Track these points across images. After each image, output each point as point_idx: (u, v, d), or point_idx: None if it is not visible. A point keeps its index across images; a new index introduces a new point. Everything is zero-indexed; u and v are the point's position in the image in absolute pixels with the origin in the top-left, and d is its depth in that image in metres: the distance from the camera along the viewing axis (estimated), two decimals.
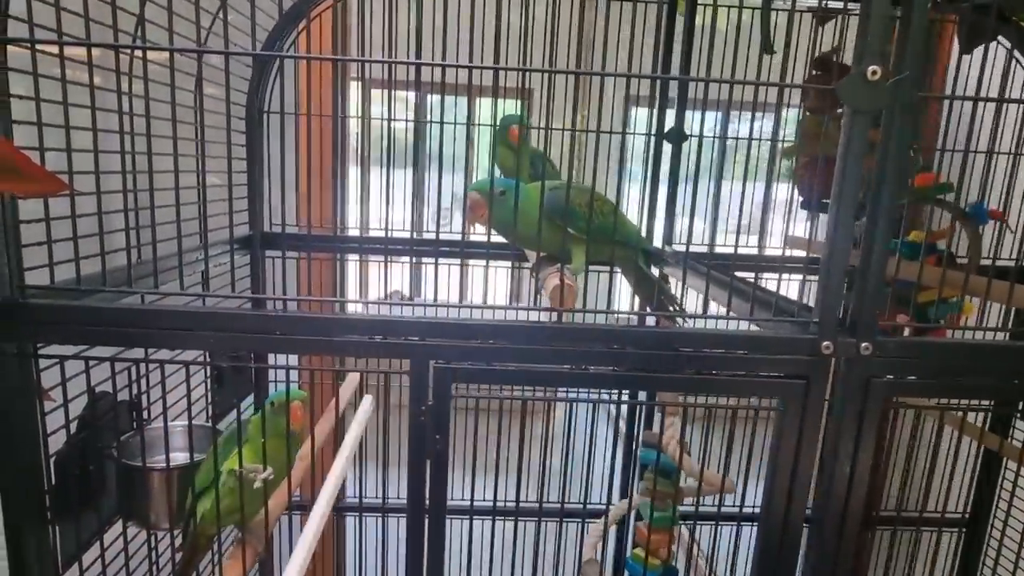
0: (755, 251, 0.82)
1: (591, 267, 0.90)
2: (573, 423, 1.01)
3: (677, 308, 0.93)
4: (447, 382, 0.72)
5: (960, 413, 0.91)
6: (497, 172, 1.16)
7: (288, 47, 1.38)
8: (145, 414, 1.00)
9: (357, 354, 0.72)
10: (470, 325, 0.71)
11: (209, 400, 1.11)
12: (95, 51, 0.71)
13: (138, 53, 0.73)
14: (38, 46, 0.68)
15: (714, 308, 0.96)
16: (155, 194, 0.82)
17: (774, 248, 1.26)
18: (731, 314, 0.79)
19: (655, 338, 0.72)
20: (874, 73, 0.65)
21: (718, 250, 0.83)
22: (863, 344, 0.71)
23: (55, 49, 0.70)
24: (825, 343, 0.71)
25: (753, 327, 0.79)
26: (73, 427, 0.85)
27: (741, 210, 0.80)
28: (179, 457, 0.95)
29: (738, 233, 0.83)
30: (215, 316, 0.72)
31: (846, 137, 0.67)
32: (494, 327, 0.70)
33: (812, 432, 0.75)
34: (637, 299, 0.94)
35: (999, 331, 0.81)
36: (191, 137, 0.99)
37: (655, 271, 1.02)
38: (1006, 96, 0.75)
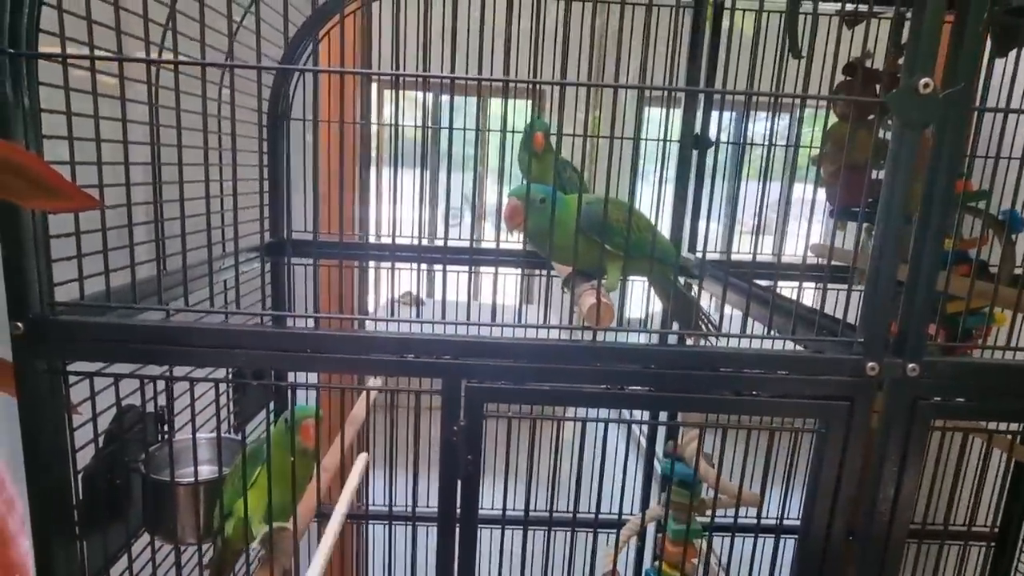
0: (794, 260, 0.80)
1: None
2: (603, 435, 0.99)
3: (714, 327, 0.91)
4: (480, 402, 0.70)
5: (1008, 436, 0.88)
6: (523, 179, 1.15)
7: (308, 55, 1.37)
8: (172, 425, 1.00)
9: (388, 373, 0.71)
10: (505, 344, 0.69)
11: (232, 410, 1.10)
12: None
13: (170, 66, 0.72)
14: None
15: (751, 323, 0.94)
16: (175, 206, 0.81)
17: (809, 257, 1.24)
18: (772, 333, 0.77)
19: (693, 358, 0.70)
20: (926, 86, 0.63)
21: (747, 258, 0.80)
22: (910, 365, 0.69)
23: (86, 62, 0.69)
24: (871, 364, 0.69)
25: (793, 345, 0.77)
26: (100, 441, 0.85)
27: (781, 216, 0.78)
28: (206, 470, 0.94)
29: (781, 242, 0.80)
30: (243, 334, 0.71)
31: (895, 151, 0.65)
32: (530, 346, 0.69)
33: (855, 455, 0.72)
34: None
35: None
36: (217, 147, 0.98)
37: (687, 287, 1.00)
38: None
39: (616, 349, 0.69)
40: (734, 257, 1.48)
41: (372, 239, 1.43)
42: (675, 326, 0.91)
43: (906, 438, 0.72)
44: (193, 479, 0.83)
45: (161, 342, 0.71)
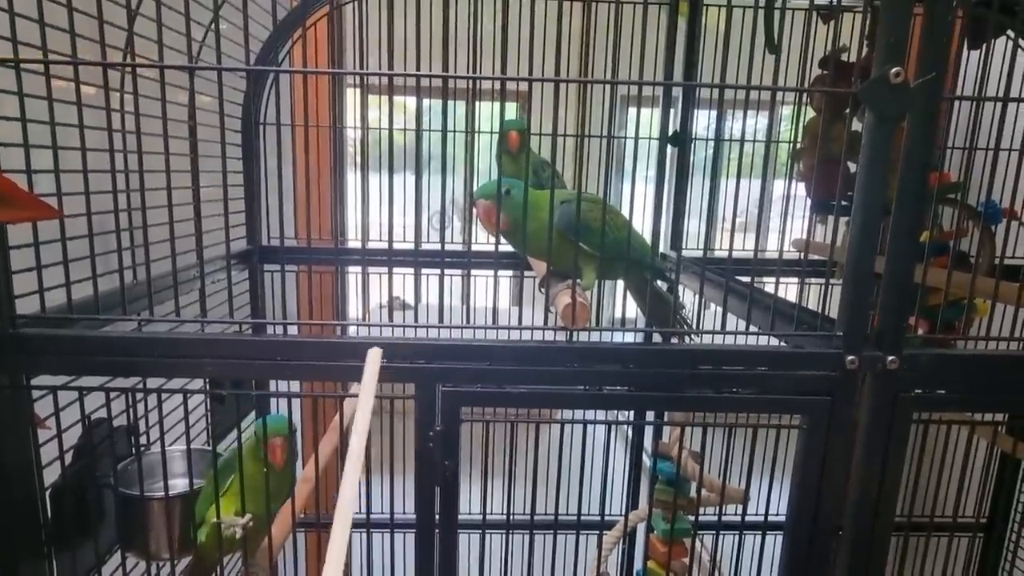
0: (775, 255, 0.79)
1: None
2: (583, 436, 0.97)
3: (691, 327, 0.90)
4: (457, 406, 0.69)
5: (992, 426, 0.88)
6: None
7: (283, 57, 1.36)
8: (144, 438, 0.98)
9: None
10: (479, 346, 0.68)
11: (209, 421, 1.08)
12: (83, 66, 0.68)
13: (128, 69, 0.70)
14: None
15: (731, 319, 0.93)
16: (149, 213, 0.79)
17: (788, 252, 1.24)
18: (751, 329, 0.76)
19: (673, 357, 0.69)
20: (897, 75, 0.62)
21: (726, 254, 0.80)
22: (890, 358, 0.69)
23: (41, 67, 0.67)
24: (850, 358, 0.69)
25: (773, 341, 0.76)
26: (70, 456, 0.83)
27: (761, 211, 0.77)
28: (179, 483, 0.92)
29: (757, 236, 0.79)
30: (213, 343, 0.69)
31: (869, 144, 0.65)
32: (505, 348, 0.68)
33: (838, 449, 0.72)
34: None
35: (1012, 340, 0.78)
36: (185, 152, 0.96)
37: (663, 287, 0.99)
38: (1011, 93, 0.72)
39: (593, 349, 0.68)
40: (715, 254, 1.48)
41: (356, 244, 1.42)
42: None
43: (888, 431, 0.71)
44: (164, 493, 0.80)
45: (129, 354, 0.69)
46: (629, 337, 0.72)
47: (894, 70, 0.62)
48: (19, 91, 0.66)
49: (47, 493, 0.79)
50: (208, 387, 0.97)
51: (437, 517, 0.73)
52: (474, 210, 0.82)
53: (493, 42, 0.71)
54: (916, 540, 1.08)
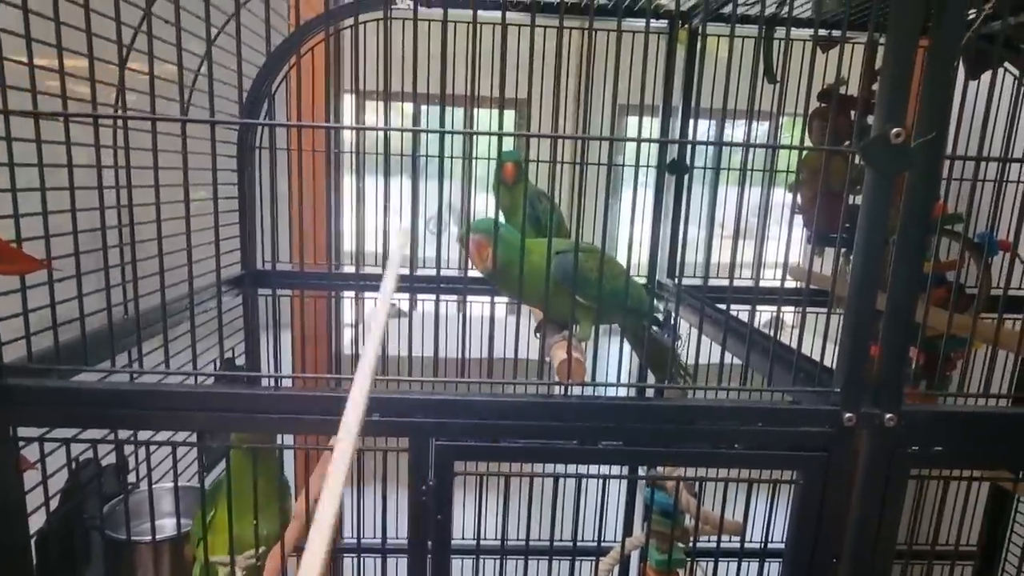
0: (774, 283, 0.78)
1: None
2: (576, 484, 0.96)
3: (689, 379, 0.89)
4: (450, 460, 0.68)
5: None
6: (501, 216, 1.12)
7: (279, 83, 1.34)
8: (132, 475, 0.96)
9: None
10: (472, 402, 0.67)
11: (200, 460, 1.06)
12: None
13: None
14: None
15: (727, 357, 0.92)
16: (139, 246, 0.78)
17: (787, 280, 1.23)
18: (748, 385, 0.75)
19: (669, 412, 0.68)
20: (898, 135, 0.62)
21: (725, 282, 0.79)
22: (888, 415, 0.68)
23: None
24: (848, 415, 0.68)
25: (771, 390, 0.75)
26: (56, 500, 0.81)
27: (758, 245, 0.76)
28: (167, 524, 0.91)
29: (757, 267, 0.78)
30: (198, 396, 0.68)
31: (868, 203, 0.64)
32: (498, 404, 0.67)
33: (835, 503, 0.71)
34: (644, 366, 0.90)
35: (1001, 397, 0.77)
36: (178, 183, 0.95)
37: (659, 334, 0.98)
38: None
39: (588, 405, 0.67)
40: (713, 282, 1.47)
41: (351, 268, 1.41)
42: (650, 374, 0.89)
43: (885, 486, 0.70)
44: (151, 537, 0.79)
45: (118, 405, 0.68)
46: (616, 391, 0.71)
47: (895, 130, 0.61)
48: (7, 138, 0.65)
49: (32, 540, 0.77)
50: (195, 443, 0.95)
51: (430, 544, 0.71)
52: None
53: (491, 59, 0.70)
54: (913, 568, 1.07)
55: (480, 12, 0.73)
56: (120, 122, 0.69)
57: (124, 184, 0.75)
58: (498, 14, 0.68)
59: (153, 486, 0.81)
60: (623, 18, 1.35)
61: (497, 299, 1.18)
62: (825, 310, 0.90)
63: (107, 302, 0.76)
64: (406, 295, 1.50)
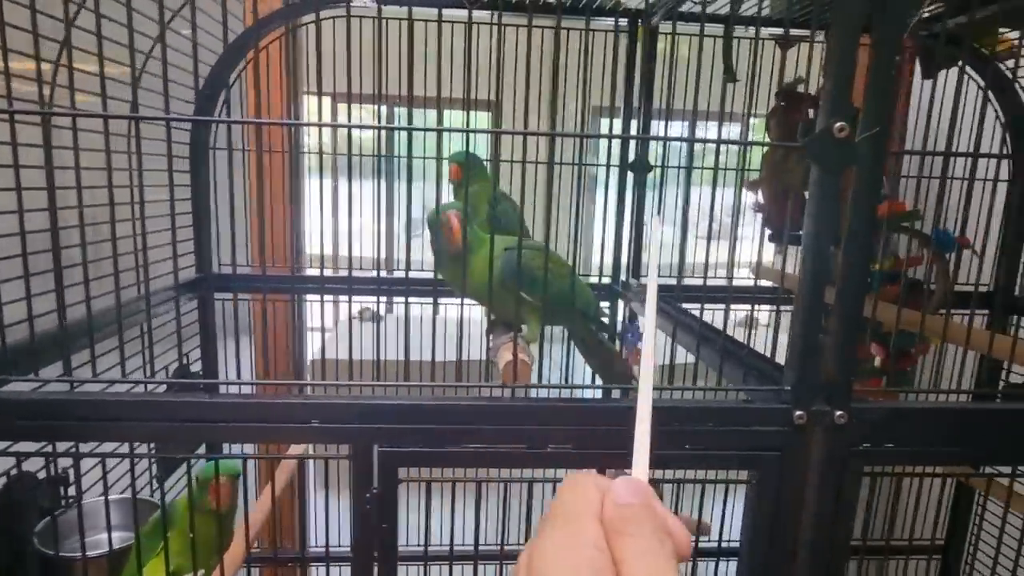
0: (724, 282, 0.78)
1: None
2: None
3: (634, 381, 0.88)
4: (394, 467, 0.66)
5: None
6: None
7: (234, 79, 1.31)
8: (73, 489, 0.92)
9: (293, 440, 0.66)
10: (414, 407, 0.65)
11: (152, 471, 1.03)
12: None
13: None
14: None
15: (681, 354, 0.92)
16: (91, 248, 0.75)
17: (744, 279, 1.23)
18: (697, 385, 0.74)
19: (618, 414, 0.67)
20: (841, 130, 0.61)
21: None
22: (838, 413, 0.67)
23: None
24: (798, 413, 0.67)
25: (724, 389, 0.74)
26: None
27: (708, 239, 0.76)
28: (116, 536, 0.87)
29: (706, 265, 0.78)
30: (139, 405, 0.65)
31: (815, 200, 0.63)
32: (440, 408, 0.65)
33: (789, 502, 0.70)
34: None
35: (960, 392, 0.77)
36: (126, 184, 0.91)
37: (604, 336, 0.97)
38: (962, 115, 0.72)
39: (535, 408, 0.66)
40: (686, 282, 1.47)
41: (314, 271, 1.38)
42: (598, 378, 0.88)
43: (837, 484, 0.70)
44: (81, 553, 0.75)
45: (65, 417, 0.64)
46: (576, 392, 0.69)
47: (838, 125, 0.61)
48: None
49: None
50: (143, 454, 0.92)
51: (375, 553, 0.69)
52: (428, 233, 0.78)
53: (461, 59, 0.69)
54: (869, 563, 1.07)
55: (448, 11, 0.71)
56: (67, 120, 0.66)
57: (46, 185, 0.71)
58: (466, 13, 0.66)
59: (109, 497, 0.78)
60: (591, 16, 1.35)
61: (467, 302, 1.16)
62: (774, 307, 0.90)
63: (57, 298, 0.73)
64: (383, 297, 1.48)
